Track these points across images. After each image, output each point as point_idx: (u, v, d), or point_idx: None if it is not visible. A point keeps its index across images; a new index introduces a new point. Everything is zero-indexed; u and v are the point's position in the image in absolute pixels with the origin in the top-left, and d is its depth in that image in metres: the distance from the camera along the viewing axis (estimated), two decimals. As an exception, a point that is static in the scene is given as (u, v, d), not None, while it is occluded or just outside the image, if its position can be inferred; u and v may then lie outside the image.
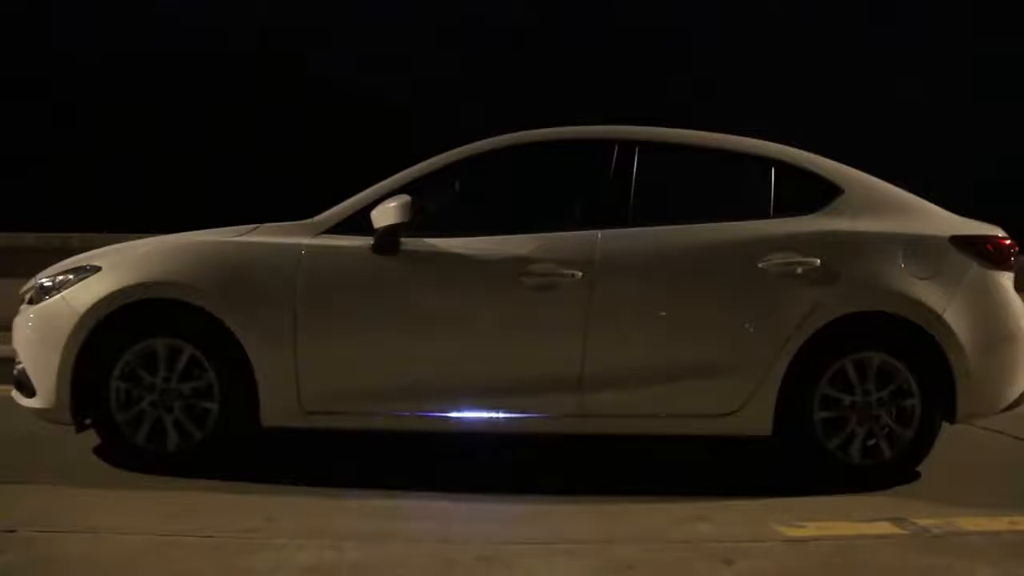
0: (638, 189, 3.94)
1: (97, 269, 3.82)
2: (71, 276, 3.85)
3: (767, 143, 4.16)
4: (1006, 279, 3.97)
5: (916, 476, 3.90)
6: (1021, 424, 4.73)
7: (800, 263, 3.80)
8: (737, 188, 4.22)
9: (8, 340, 4.01)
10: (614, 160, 3.98)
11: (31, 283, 3.98)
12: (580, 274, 3.74)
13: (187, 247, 3.89)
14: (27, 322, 3.88)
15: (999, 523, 3.37)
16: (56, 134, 26.23)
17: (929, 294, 3.81)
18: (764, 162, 4.07)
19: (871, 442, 3.81)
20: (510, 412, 3.76)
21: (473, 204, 4.32)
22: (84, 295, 3.75)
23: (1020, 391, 3.96)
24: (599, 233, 3.82)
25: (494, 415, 3.76)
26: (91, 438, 3.91)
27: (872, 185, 4.09)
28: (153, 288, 3.75)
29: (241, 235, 3.90)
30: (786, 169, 4.05)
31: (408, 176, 3.95)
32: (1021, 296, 4.01)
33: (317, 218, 3.91)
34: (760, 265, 3.80)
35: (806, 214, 3.94)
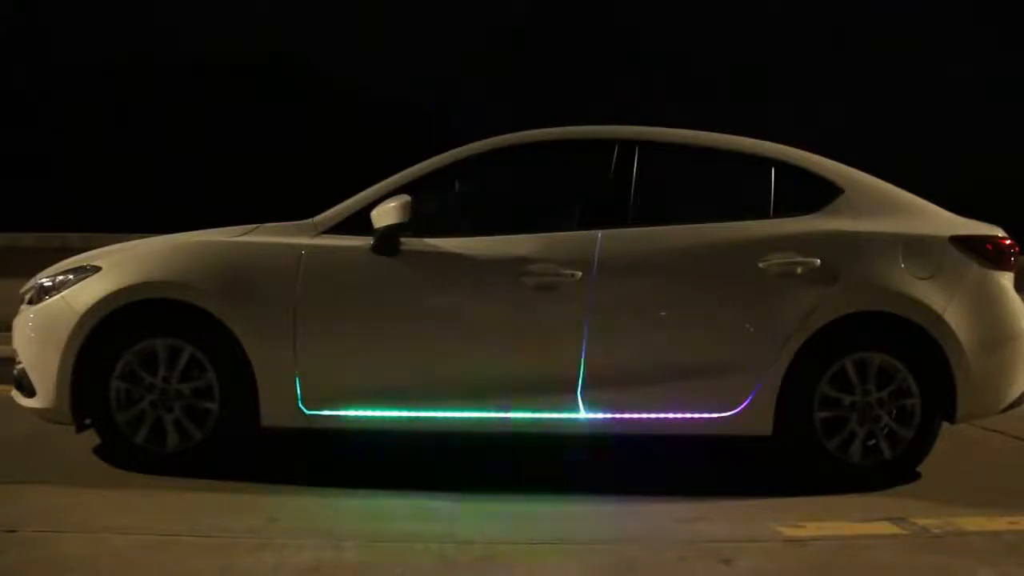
0: (638, 189, 3.94)
1: (97, 269, 3.82)
2: (71, 276, 3.85)
3: (767, 143, 4.16)
4: (1006, 279, 3.97)
5: (916, 476, 3.90)
6: (1021, 424, 4.73)
7: (800, 263, 3.80)
8: (737, 188, 4.23)
9: (8, 340, 4.01)
10: (614, 160, 3.98)
11: (31, 283, 3.99)
12: (580, 274, 3.74)
13: (187, 247, 3.89)
14: (27, 322, 3.88)
15: (999, 523, 3.37)
16: (57, 135, 26.23)
17: (929, 294, 3.81)
18: (764, 162, 4.06)
19: (871, 442, 3.81)
20: (510, 412, 3.76)
21: (473, 204, 4.33)
22: (84, 295, 3.75)
23: (1020, 391, 3.96)
24: (599, 233, 3.82)
25: (493, 415, 3.76)
26: (91, 438, 3.91)
27: (872, 185, 4.09)
28: (153, 288, 3.75)
29: (241, 235, 3.90)
30: (786, 169, 4.05)
31: (408, 176, 3.95)
32: (1021, 296, 4.01)
33: (317, 218, 3.91)
34: (760, 265, 3.80)
35: (806, 214, 3.94)
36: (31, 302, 3.92)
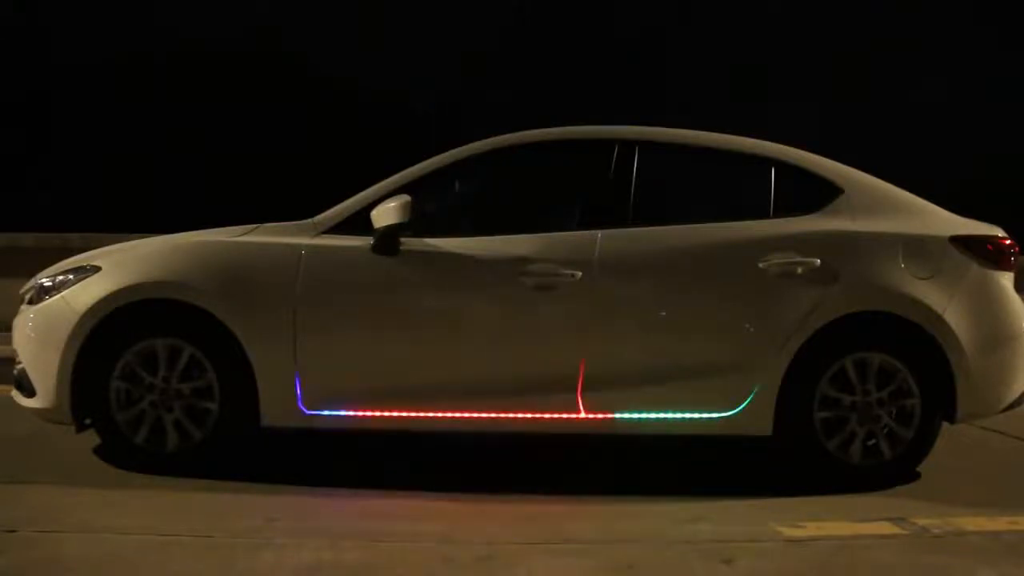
0: (638, 189, 3.94)
1: (97, 269, 3.82)
2: (71, 276, 3.85)
3: (767, 143, 4.16)
4: (1006, 279, 3.97)
5: (916, 476, 3.90)
6: (1021, 424, 4.73)
7: (800, 263, 3.80)
8: (737, 188, 4.23)
9: (8, 340, 4.01)
10: (614, 160, 3.98)
11: (31, 283, 3.99)
12: (580, 274, 3.74)
13: (187, 247, 3.89)
14: (27, 322, 3.88)
15: (999, 523, 3.37)
16: (57, 135, 26.24)
17: (929, 294, 3.81)
18: (764, 162, 4.06)
19: (871, 442, 3.81)
20: (510, 412, 3.76)
21: (473, 204, 4.33)
22: (84, 295, 3.75)
23: (1020, 391, 3.96)
24: (599, 233, 3.82)
25: (494, 415, 3.76)
26: (91, 438, 3.91)
27: (872, 185, 4.09)
28: (153, 288, 3.75)
29: (241, 235, 3.90)
30: (786, 169, 4.05)
31: (408, 176, 3.95)
32: (1021, 296, 4.01)
33: (317, 218, 3.91)
34: (760, 265, 3.80)
35: (806, 214, 3.94)
36: (31, 302, 3.92)
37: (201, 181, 24.68)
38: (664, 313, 3.81)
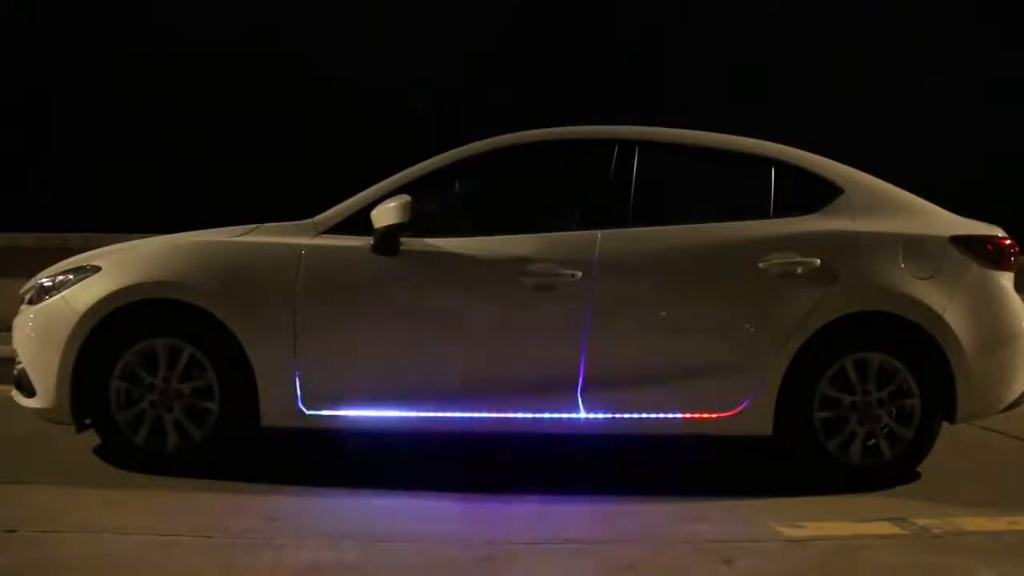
0: (638, 189, 3.94)
1: (97, 269, 3.82)
2: (71, 276, 3.85)
3: (767, 143, 4.16)
4: (1006, 279, 3.98)
5: (916, 476, 3.90)
6: (1021, 424, 4.73)
7: (800, 263, 3.80)
8: (737, 188, 4.23)
9: (8, 340, 4.01)
10: (614, 160, 3.98)
11: (31, 283, 3.99)
12: (580, 274, 3.74)
13: (187, 247, 3.89)
14: (27, 322, 3.88)
15: (999, 523, 3.37)
16: (57, 135, 26.25)
17: (929, 294, 3.81)
18: (764, 162, 4.07)
19: (871, 442, 3.82)
20: (509, 412, 3.76)
21: (473, 204, 4.33)
22: (84, 295, 3.75)
23: (1020, 391, 3.96)
24: (599, 233, 3.82)
25: (493, 415, 3.76)
26: (91, 438, 3.91)
27: (872, 185, 4.09)
28: (153, 288, 3.75)
29: (241, 235, 3.90)
30: (786, 169, 4.05)
31: (408, 176, 3.95)
32: (1021, 296, 4.01)
33: (317, 218, 3.91)
34: (760, 265, 3.80)
35: (806, 214, 3.95)
36: (31, 302, 3.93)
37: (201, 181, 24.69)
38: (664, 313, 3.81)
